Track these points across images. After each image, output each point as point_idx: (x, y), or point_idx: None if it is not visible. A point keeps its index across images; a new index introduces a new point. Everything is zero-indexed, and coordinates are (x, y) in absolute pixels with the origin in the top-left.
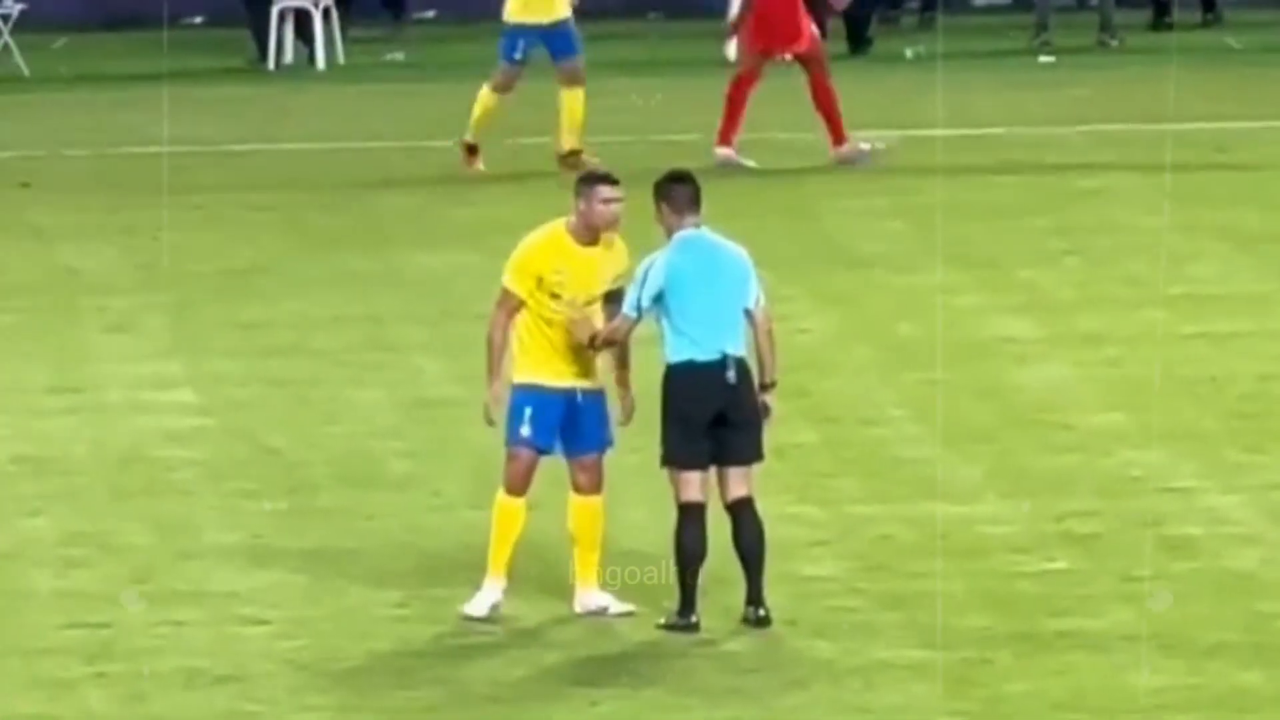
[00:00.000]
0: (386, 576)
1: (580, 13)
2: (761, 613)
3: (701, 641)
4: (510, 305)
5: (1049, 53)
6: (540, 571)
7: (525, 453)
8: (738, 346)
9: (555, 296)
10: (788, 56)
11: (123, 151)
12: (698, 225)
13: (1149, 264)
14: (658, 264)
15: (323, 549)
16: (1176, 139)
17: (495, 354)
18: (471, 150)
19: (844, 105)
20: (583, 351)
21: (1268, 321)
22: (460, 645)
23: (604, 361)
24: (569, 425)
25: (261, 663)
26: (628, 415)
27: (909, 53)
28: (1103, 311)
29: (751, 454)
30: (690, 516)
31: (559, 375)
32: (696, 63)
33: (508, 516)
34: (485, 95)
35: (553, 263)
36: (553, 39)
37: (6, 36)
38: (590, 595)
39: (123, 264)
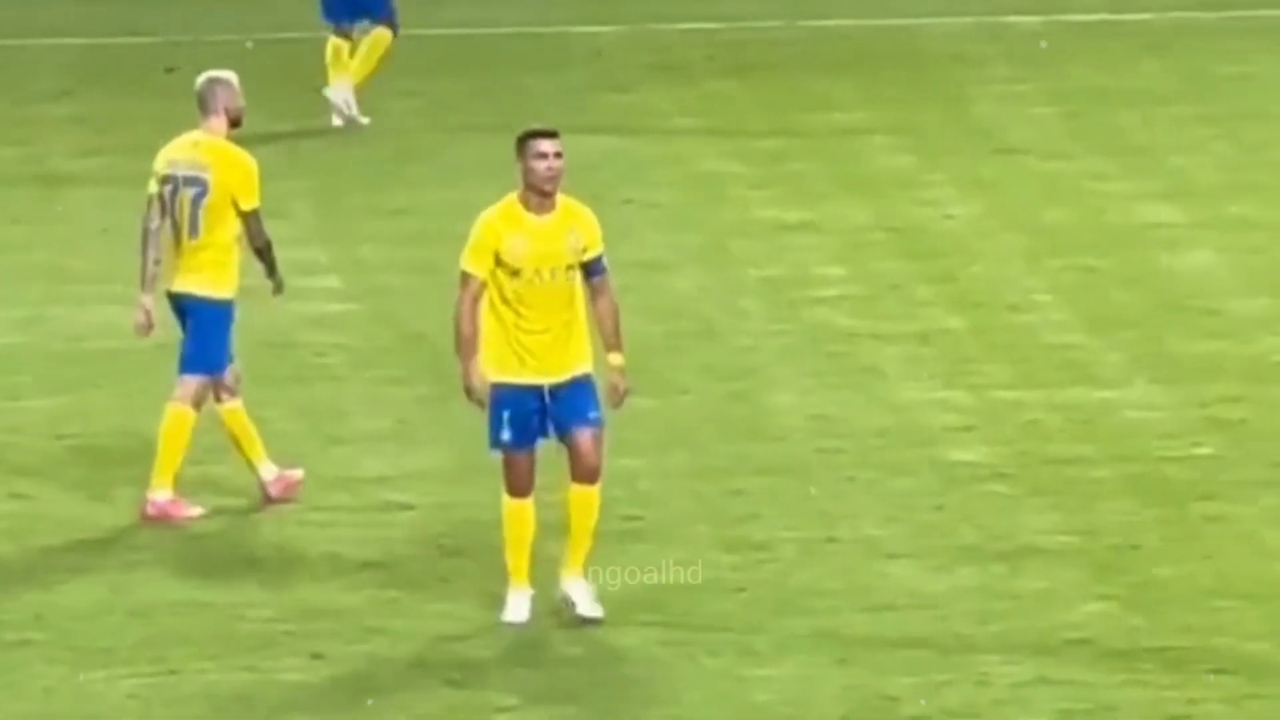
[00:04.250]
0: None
1: None
2: None
3: (855, 528)
4: (473, 288)
5: None
6: None
7: (512, 456)
8: None
9: (515, 274)
10: None
11: (271, 38)
12: None
13: None
14: None
15: (470, 435)
16: None
17: (467, 343)
18: None
19: None
20: (552, 344)
21: None
22: (616, 531)
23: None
24: (549, 412)
25: (408, 548)
26: (615, 400)
27: None
28: (1251, 197)
29: None
30: None
31: (525, 372)
32: None
33: (517, 520)
34: None
35: (506, 235)
36: None
37: None
38: (568, 584)
39: (271, 151)
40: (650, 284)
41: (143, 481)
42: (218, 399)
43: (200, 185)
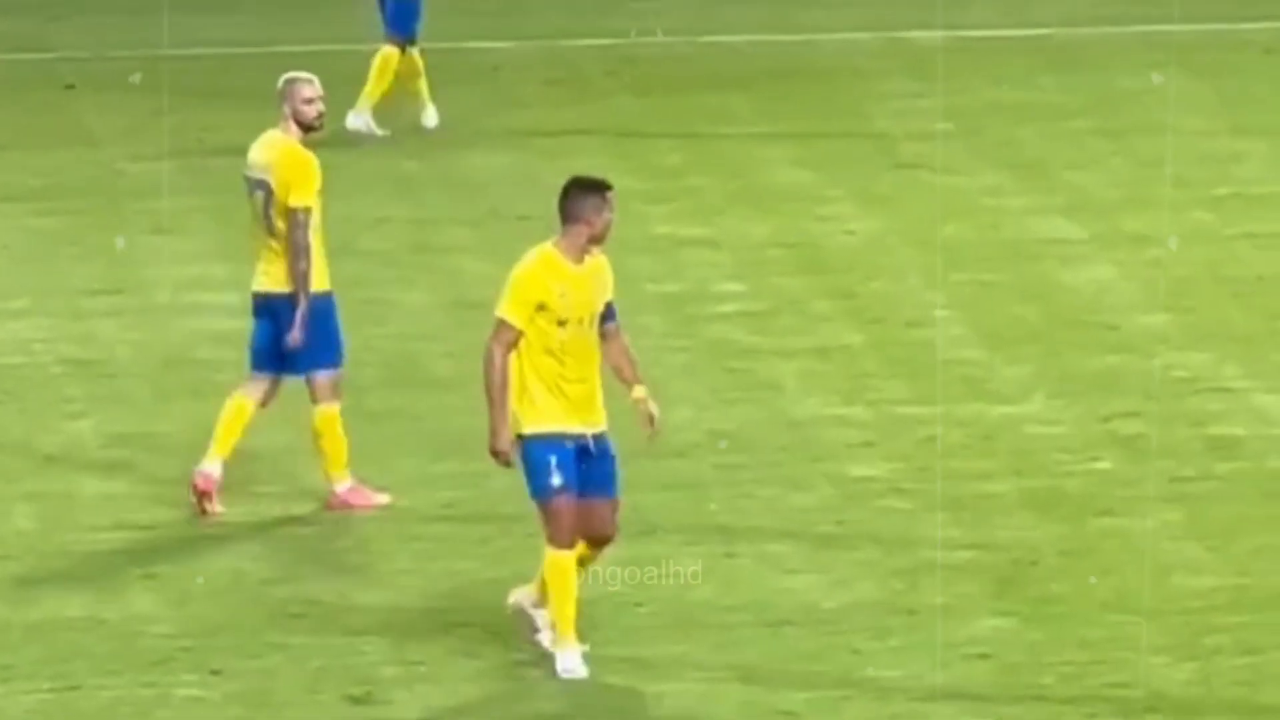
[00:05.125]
0: (432, 478)
1: None
2: None
3: (754, 543)
4: (508, 339)
5: None
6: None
7: (564, 501)
8: None
9: (562, 324)
10: None
11: (169, 53)
12: None
13: (1195, 165)
14: None
15: (370, 450)
16: (1224, 39)
17: (499, 394)
18: None
19: (891, 3)
20: (590, 394)
21: None
22: (506, 547)
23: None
24: (583, 471)
25: (309, 564)
26: (653, 424)
27: None
28: (1148, 212)
29: None
30: None
31: (570, 422)
32: None
33: (565, 575)
34: None
35: (553, 286)
36: None
37: None
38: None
39: (168, 166)
40: None
41: (42, 498)
42: (252, 395)
43: (266, 187)
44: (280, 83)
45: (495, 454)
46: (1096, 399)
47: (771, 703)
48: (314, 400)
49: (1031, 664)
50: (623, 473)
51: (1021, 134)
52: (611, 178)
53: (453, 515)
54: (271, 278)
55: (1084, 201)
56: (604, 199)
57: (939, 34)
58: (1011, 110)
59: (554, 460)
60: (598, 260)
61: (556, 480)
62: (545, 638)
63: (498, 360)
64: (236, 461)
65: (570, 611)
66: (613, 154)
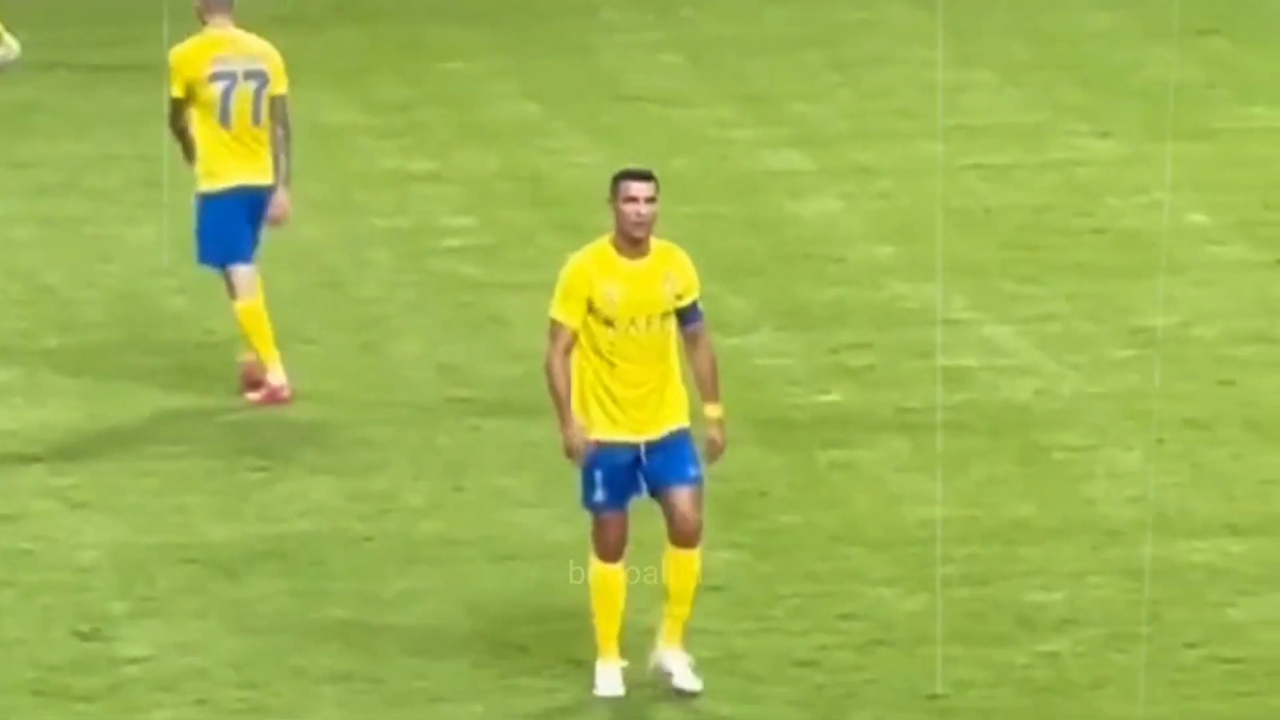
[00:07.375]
0: (162, 414)
1: None
2: None
3: (483, 477)
4: (563, 340)
5: None
6: None
7: (606, 518)
8: None
9: (609, 324)
10: None
11: None
12: None
13: (922, 96)
14: None
15: (97, 386)
16: None
17: (563, 398)
18: None
19: None
20: (647, 398)
21: (1041, 153)
22: (236, 482)
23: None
24: (644, 469)
25: (38, 500)
26: (713, 455)
27: None
28: (876, 144)
29: None
30: None
31: (620, 429)
32: None
33: (606, 588)
34: None
35: (600, 282)
36: None
37: None
38: (665, 655)
39: None
40: (275, 235)
41: None
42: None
43: (262, 77)
44: None
45: (568, 453)
46: (824, 331)
47: (501, 635)
48: (243, 295)
49: (762, 596)
50: (345, 409)
51: (749, 66)
52: (336, 112)
53: (183, 452)
54: (264, 168)
55: (812, 134)
56: (617, 187)
57: None
58: (738, 42)
59: (598, 475)
60: (666, 256)
61: (599, 496)
62: (683, 680)
63: (554, 364)
64: None
65: (608, 626)
66: (339, 89)
